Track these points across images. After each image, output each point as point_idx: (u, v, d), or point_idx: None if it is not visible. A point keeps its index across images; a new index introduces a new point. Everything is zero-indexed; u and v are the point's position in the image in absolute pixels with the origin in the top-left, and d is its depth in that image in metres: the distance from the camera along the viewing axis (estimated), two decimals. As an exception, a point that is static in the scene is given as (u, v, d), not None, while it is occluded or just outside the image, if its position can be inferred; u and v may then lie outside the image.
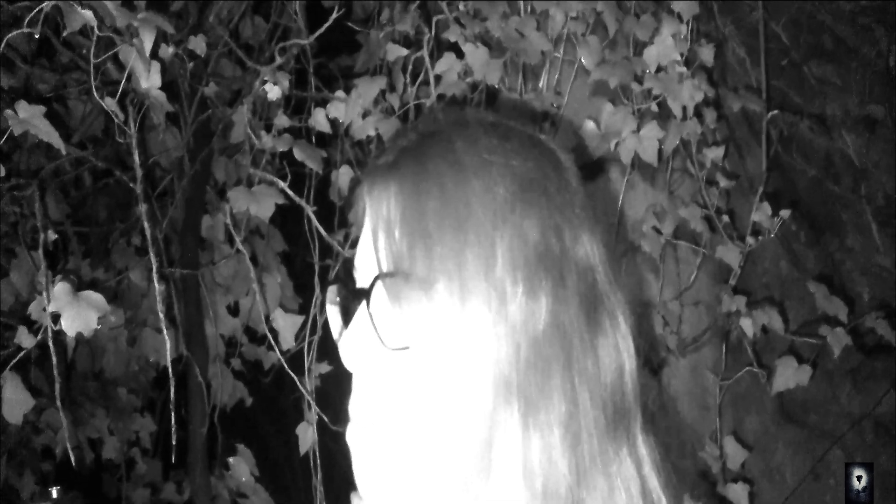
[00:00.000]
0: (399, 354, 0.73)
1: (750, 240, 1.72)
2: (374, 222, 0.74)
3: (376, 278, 0.72)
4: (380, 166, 0.77)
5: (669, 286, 1.87)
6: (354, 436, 0.77)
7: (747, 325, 1.74)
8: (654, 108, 1.72)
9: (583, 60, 1.77)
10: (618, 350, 0.74)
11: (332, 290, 0.83)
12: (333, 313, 0.82)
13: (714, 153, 1.74)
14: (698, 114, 1.74)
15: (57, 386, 1.69)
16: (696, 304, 1.89)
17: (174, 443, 1.80)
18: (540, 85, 1.83)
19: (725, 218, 1.76)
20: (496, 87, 1.84)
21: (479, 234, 0.70)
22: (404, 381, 0.73)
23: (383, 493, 0.75)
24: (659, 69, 1.71)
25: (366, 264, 0.76)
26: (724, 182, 1.75)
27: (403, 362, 0.73)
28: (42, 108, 1.57)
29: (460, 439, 0.70)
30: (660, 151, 1.70)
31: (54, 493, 1.23)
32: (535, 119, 1.77)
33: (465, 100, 1.88)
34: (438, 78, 1.86)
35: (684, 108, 1.70)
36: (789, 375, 1.77)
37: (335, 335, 0.81)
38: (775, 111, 1.84)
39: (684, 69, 1.69)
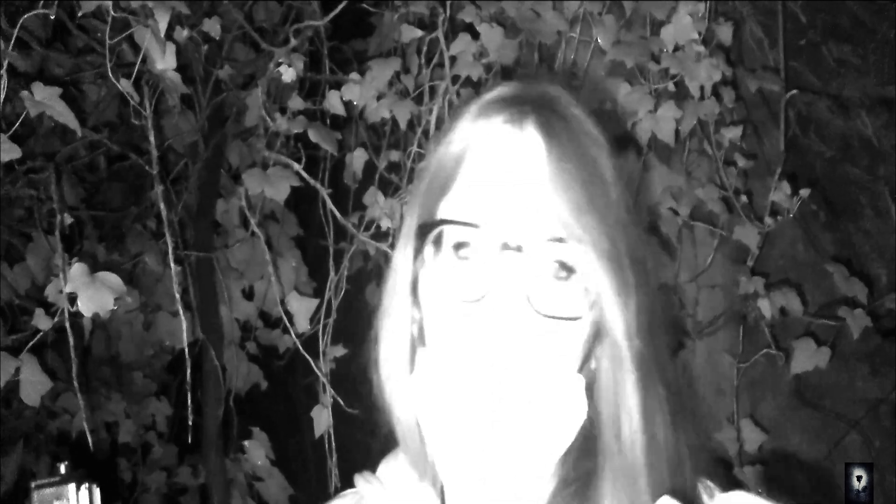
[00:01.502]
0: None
1: (768, 220, 1.71)
2: (554, 179, 0.77)
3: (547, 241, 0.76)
4: (525, 109, 0.80)
5: (686, 268, 1.86)
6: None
7: (765, 307, 1.73)
8: (672, 87, 1.70)
9: (599, 40, 1.76)
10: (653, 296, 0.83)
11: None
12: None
13: (732, 133, 1.72)
14: (716, 94, 1.72)
15: (74, 367, 1.70)
16: (713, 287, 1.88)
17: (190, 426, 1.81)
18: (555, 65, 1.82)
19: (744, 198, 1.75)
20: (511, 67, 1.83)
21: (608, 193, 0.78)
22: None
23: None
24: (676, 48, 1.70)
25: (526, 219, 0.77)
26: (741, 162, 1.74)
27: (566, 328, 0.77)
28: (58, 90, 1.57)
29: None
30: (677, 132, 1.69)
31: (62, 468, 1.22)
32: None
33: (480, 81, 1.87)
34: (453, 59, 1.84)
35: (702, 88, 1.69)
36: (807, 357, 1.76)
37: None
38: (793, 91, 1.83)
39: (702, 48, 1.67)
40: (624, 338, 0.77)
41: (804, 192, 1.65)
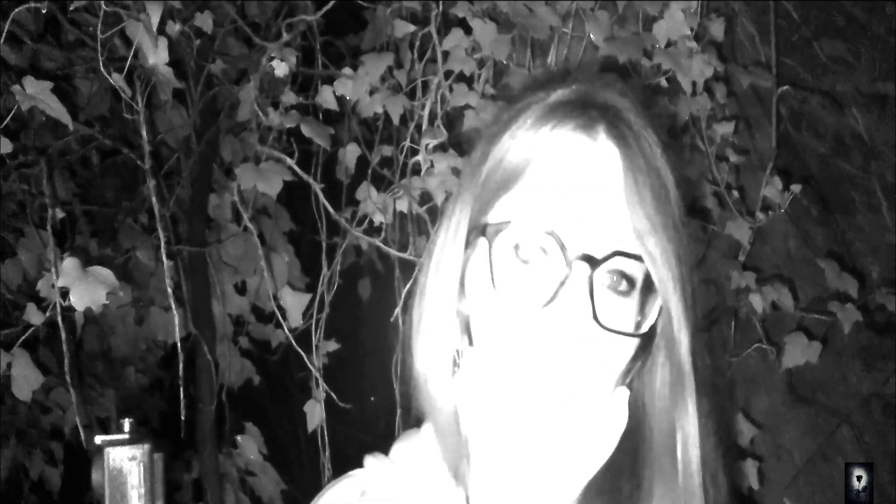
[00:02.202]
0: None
1: (760, 215, 1.71)
2: (629, 192, 0.76)
3: (614, 254, 0.76)
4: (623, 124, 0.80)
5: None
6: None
7: (757, 302, 1.73)
8: (664, 83, 1.70)
9: (591, 36, 1.76)
10: None
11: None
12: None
13: (724, 129, 1.72)
14: (708, 89, 1.72)
15: (66, 361, 1.70)
16: (706, 281, 1.88)
17: (183, 420, 1.81)
18: (548, 61, 1.82)
19: (735, 194, 1.75)
20: (504, 63, 1.82)
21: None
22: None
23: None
24: (668, 44, 1.70)
25: (599, 230, 0.77)
26: (734, 157, 1.74)
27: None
28: (49, 84, 1.56)
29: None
30: (670, 127, 1.69)
31: (126, 425, 1.20)
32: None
33: (473, 76, 1.87)
34: (446, 54, 1.84)
35: (694, 84, 1.69)
36: (799, 352, 1.76)
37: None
38: (785, 87, 1.83)
39: (694, 44, 1.67)
40: (687, 355, 0.78)
41: (795, 188, 1.66)
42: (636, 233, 0.75)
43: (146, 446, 1.19)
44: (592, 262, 0.75)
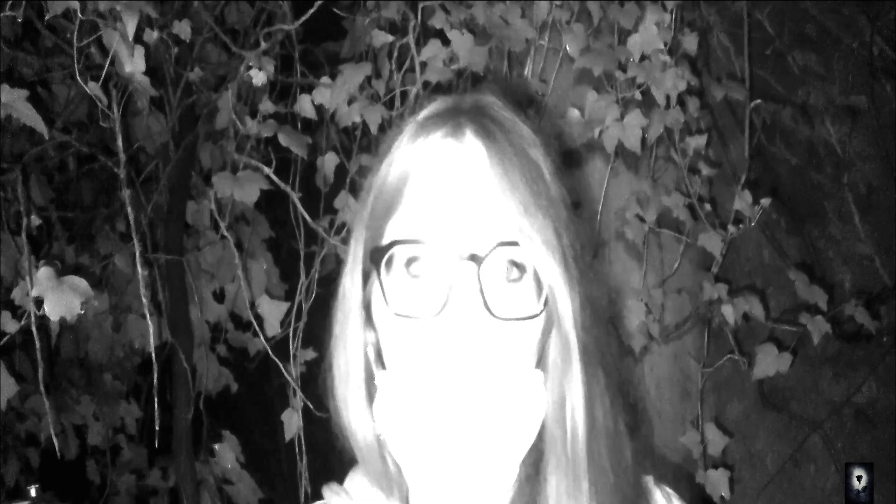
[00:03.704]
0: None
1: (731, 228, 1.73)
2: (500, 183, 0.79)
3: (497, 245, 0.78)
4: (499, 127, 0.83)
5: (652, 274, 1.88)
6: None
7: (728, 313, 1.75)
8: (638, 96, 1.72)
9: (567, 48, 1.77)
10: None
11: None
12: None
13: (697, 141, 1.74)
14: (681, 102, 1.74)
15: (40, 371, 1.69)
16: (679, 292, 1.90)
17: (157, 428, 1.81)
18: (525, 72, 1.83)
19: (707, 206, 1.77)
20: (481, 73, 1.84)
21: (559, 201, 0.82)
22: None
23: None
24: (643, 57, 1.72)
25: (477, 227, 0.79)
26: (706, 170, 1.76)
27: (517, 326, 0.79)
28: (25, 92, 1.56)
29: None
30: (643, 139, 1.71)
31: (32, 491, 1.21)
32: (519, 105, 1.77)
33: (451, 86, 1.88)
34: (424, 64, 1.85)
35: (668, 97, 1.70)
36: (770, 362, 1.79)
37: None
38: (758, 100, 1.85)
39: (668, 58, 1.69)
40: (571, 328, 0.80)
41: (765, 202, 1.68)
42: (512, 220, 0.78)
43: None
44: (476, 259, 0.77)
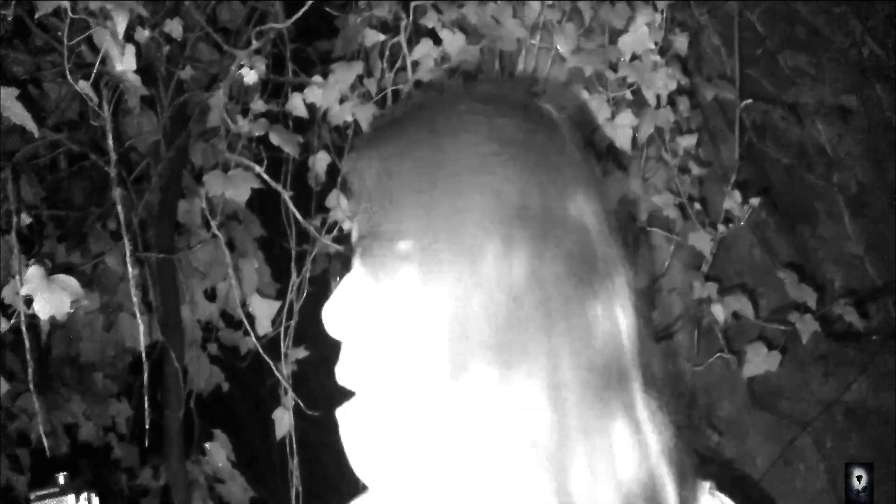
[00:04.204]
0: (375, 320, 0.73)
1: (721, 227, 1.74)
2: (357, 193, 0.74)
3: (354, 244, 0.74)
4: (363, 140, 0.80)
5: (643, 273, 1.89)
6: (343, 411, 0.77)
7: (718, 312, 1.76)
8: (629, 96, 1.73)
9: (559, 48, 1.78)
10: (611, 312, 0.71)
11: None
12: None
13: (687, 141, 1.75)
14: (672, 102, 1.75)
15: (30, 370, 1.69)
16: (670, 291, 1.91)
17: (147, 427, 1.81)
18: (516, 72, 1.84)
19: (697, 205, 1.78)
20: (473, 73, 1.84)
21: (450, 194, 0.69)
22: (381, 348, 0.73)
23: (375, 469, 0.75)
24: (634, 57, 1.72)
25: (353, 233, 0.77)
26: (696, 170, 1.77)
27: (379, 328, 0.73)
28: (15, 91, 1.56)
29: (440, 404, 0.70)
30: (634, 139, 1.71)
31: (61, 479, 1.21)
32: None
33: (444, 86, 1.88)
34: (416, 63, 1.86)
35: (658, 97, 1.71)
36: (759, 361, 1.79)
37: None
38: (749, 100, 1.86)
39: (658, 58, 1.70)
40: None
41: (754, 201, 1.69)
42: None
43: (71, 496, 1.21)
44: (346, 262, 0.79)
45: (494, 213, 0.68)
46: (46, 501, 1.20)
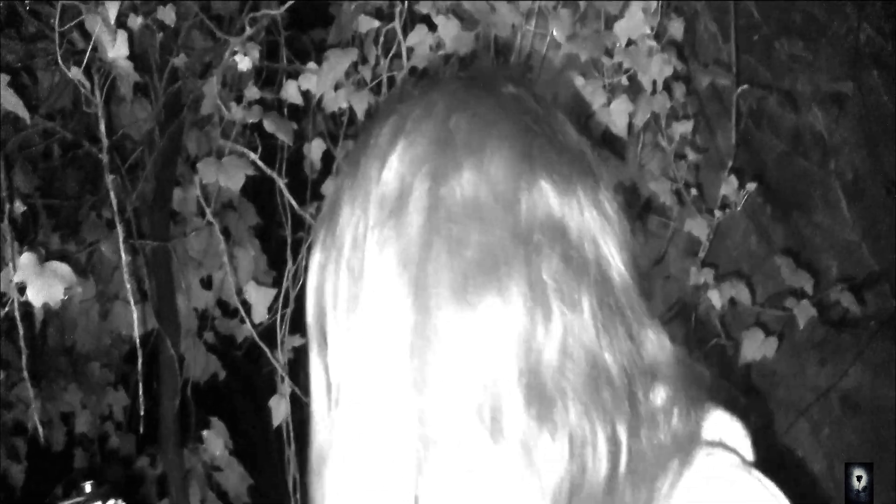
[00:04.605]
0: None
1: (718, 213, 1.74)
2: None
3: None
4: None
5: (640, 260, 1.88)
6: None
7: (715, 298, 1.76)
8: (625, 81, 1.72)
9: (554, 34, 1.77)
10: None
11: None
12: None
13: (683, 127, 1.75)
14: (668, 88, 1.74)
15: (24, 357, 1.68)
16: (667, 278, 1.91)
17: (142, 414, 1.81)
18: (511, 58, 1.83)
19: (694, 191, 1.78)
20: (468, 59, 1.83)
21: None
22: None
23: None
24: (629, 43, 1.71)
25: None
26: (692, 156, 1.77)
27: None
28: (6, 77, 1.54)
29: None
30: (630, 125, 1.71)
31: (87, 487, 1.20)
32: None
33: (438, 72, 1.87)
34: (411, 50, 1.85)
35: (654, 83, 1.70)
36: (756, 347, 1.79)
37: None
38: (745, 86, 1.85)
39: (654, 43, 1.69)
40: None
41: (750, 187, 1.68)
42: None
43: (103, 503, 1.20)
44: None
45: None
46: None
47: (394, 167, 0.69)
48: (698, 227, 1.76)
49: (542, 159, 0.70)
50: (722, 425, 0.73)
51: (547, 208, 0.68)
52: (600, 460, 0.65)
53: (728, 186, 1.69)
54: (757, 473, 0.68)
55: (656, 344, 0.72)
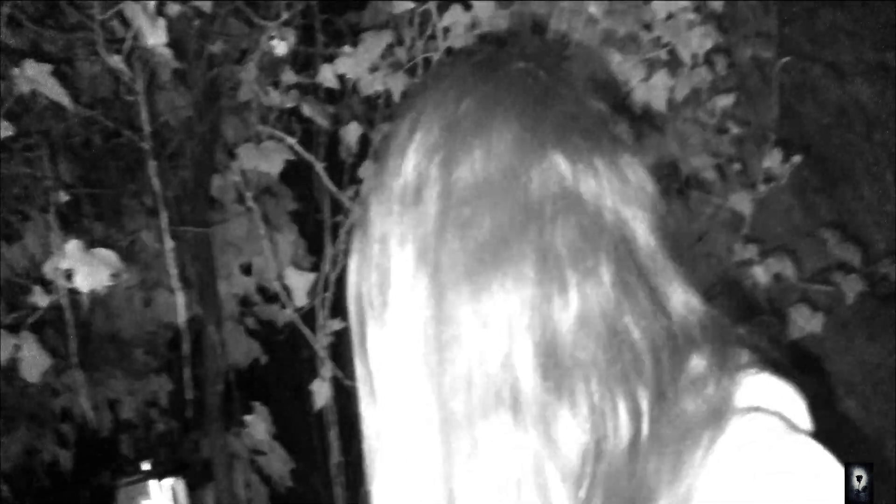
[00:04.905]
0: None
1: (762, 187, 1.71)
2: None
3: None
4: None
5: (680, 237, 1.86)
6: None
7: (760, 274, 1.73)
8: (664, 56, 1.69)
9: (591, 9, 1.75)
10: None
11: None
12: None
13: (725, 101, 1.72)
14: (708, 61, 1.71)
15: (72, 343, 1.71)
16: (708, 255, 1.88)
17: (190, 398, 1.83)
18: (548, 35, 1.81)
19: (737, 165, 1.75)
20: (504, 38, 1.82)
21: None
22: None
23: None
24: (668, 16, 1.69)
25: None
26: (735, 129, 1.74)
27: None
28: (49, 67, 1.57)
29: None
30: (670, 100, 1.68)
31: (145, 465, 1.23)
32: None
33: (473, 52, 1.86)
34: (446, 30, 1.84)
35: (694, 56, 1.68)
36: (803, 323, 1.76)
37: None
38: (787, 58, 1.82)
39: (693, 16, 1.66)
40: None
41: (796, 159, 1.65)
42: None
43: (153, 481, 1.22)
44: None
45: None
46: (133, 488, 1.21)
47: (411, 161, 0.70)
48: (741, 202, 1.74)
49: (553, 131, 0.69)
50: (767, 389, 0.70)
51: (559, 179, 0.67)
52: (621, 429, 0.64)
53: (772, 159, 1.66)
54: (803, 437, 0.65)
55: (685, 306, 0.71)
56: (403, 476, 0.70)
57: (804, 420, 0.70)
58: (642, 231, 0.69)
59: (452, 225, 0.66)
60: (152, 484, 1.22)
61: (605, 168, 0.69)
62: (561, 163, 0.67)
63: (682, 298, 0.71)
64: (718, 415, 0.66)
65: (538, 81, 0.72)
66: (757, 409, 0.67)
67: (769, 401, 0.68)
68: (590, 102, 0.74)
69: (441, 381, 0.66)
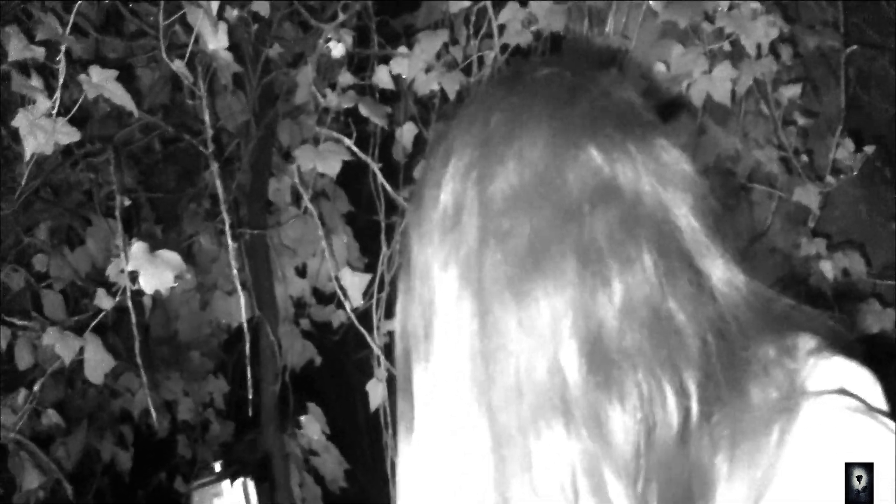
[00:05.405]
0: None
1: (830, 179, 1.67)
2: None
3: None
4: None
5: (744, 232, 1.82)
6: None
7: (827, 269, 1.69)
8: (727, 47, 1.66)
9: (650, 2, 1.72)
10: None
11: None
12: None
13: (790, 91, 1.68)
14: (773, 51, 1.68)
15: (136, 344, 1.74)
16: (772, 250, 1.84)
17: (250, 398, 1.84)
18: (606, 29, 1.79)
19: (804, 158, 1.71)
20: (561, 34, 1.80)
21: None
22: None
23: None
24: (731, 7, 1.66)
25: None
26: (801, 120, 1.70)
27: None
28: (114, 72, 1.59)
29: None
30: (733, 92, 1.65)
31: (217, 466, 1.24)
32: (601, 62, 1.73)
33: (530, 49, 1.85)
34: (502, 28, 1.83)
35: (759, 46, 1.64)
36: (872, 320, 1.72)
37: None
38: (853, 47, 1.77)
39: (758, 5, 1.63)
40: None
41: (868, 149, 1.61)
42: None
43: (227, 481, 1.23)
44: None
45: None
46: (205, 489, 1.23)
47: (448, 186, 0.71)
48: (807, 196, 1.69)
49: (583, 125, 0.70)
50: (841, 373, 0.69)
51: (595, 171, 0.68)
52: (670, 414, 0.64)
53: (842, 150, 1.62)
54: (882, 418, 0.64)
55: (728, 284, 0.70)
56: (458, 496, 0.69)
57: (880, 403, 0.69)
58: (683, 213, 0.70)
59: (493, 238, 0.67)
60: (225, 485, 1.23)
61: (640, 152, 0.70)
62: (595, 155, 0.68)
63: (724, 276, 0.70)
64: (790, 399, 0.66)
65: (563, 82, 0.73)
66: (831, 392, 0.67)
67: (844, 384, 0.68)
68: (617, 92, 0.74)
69: (490, 395, 0.66)
